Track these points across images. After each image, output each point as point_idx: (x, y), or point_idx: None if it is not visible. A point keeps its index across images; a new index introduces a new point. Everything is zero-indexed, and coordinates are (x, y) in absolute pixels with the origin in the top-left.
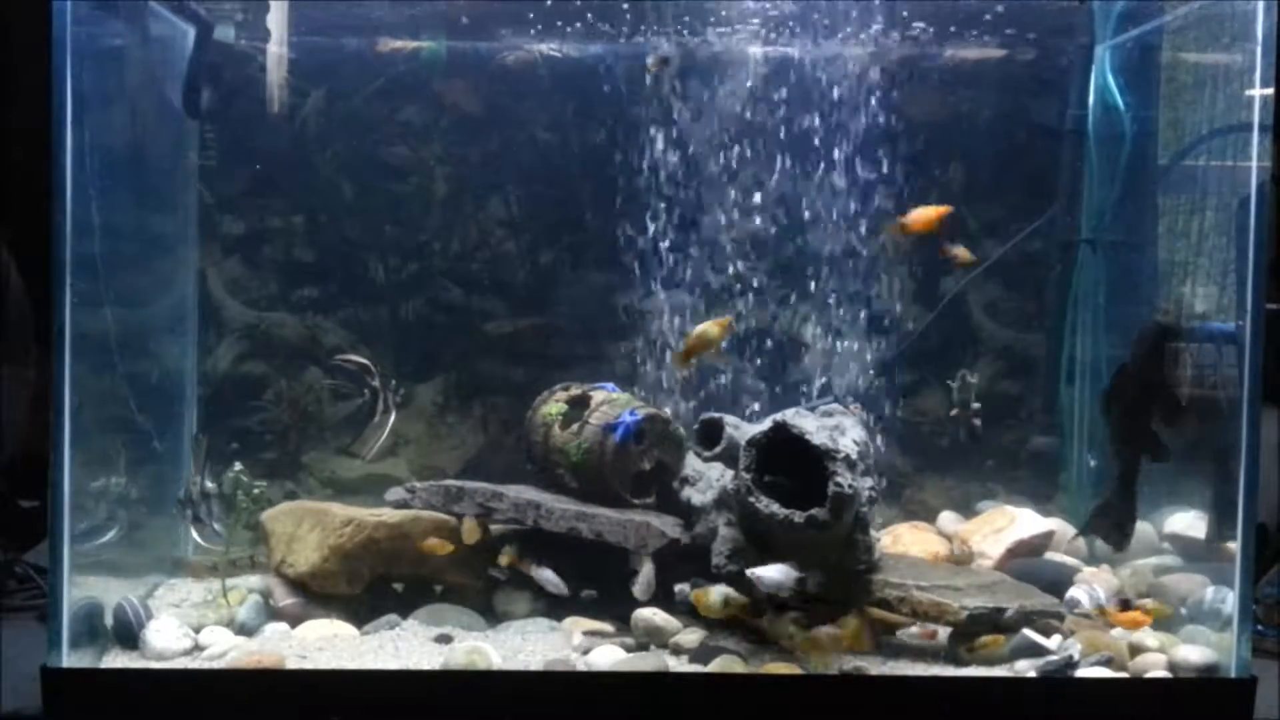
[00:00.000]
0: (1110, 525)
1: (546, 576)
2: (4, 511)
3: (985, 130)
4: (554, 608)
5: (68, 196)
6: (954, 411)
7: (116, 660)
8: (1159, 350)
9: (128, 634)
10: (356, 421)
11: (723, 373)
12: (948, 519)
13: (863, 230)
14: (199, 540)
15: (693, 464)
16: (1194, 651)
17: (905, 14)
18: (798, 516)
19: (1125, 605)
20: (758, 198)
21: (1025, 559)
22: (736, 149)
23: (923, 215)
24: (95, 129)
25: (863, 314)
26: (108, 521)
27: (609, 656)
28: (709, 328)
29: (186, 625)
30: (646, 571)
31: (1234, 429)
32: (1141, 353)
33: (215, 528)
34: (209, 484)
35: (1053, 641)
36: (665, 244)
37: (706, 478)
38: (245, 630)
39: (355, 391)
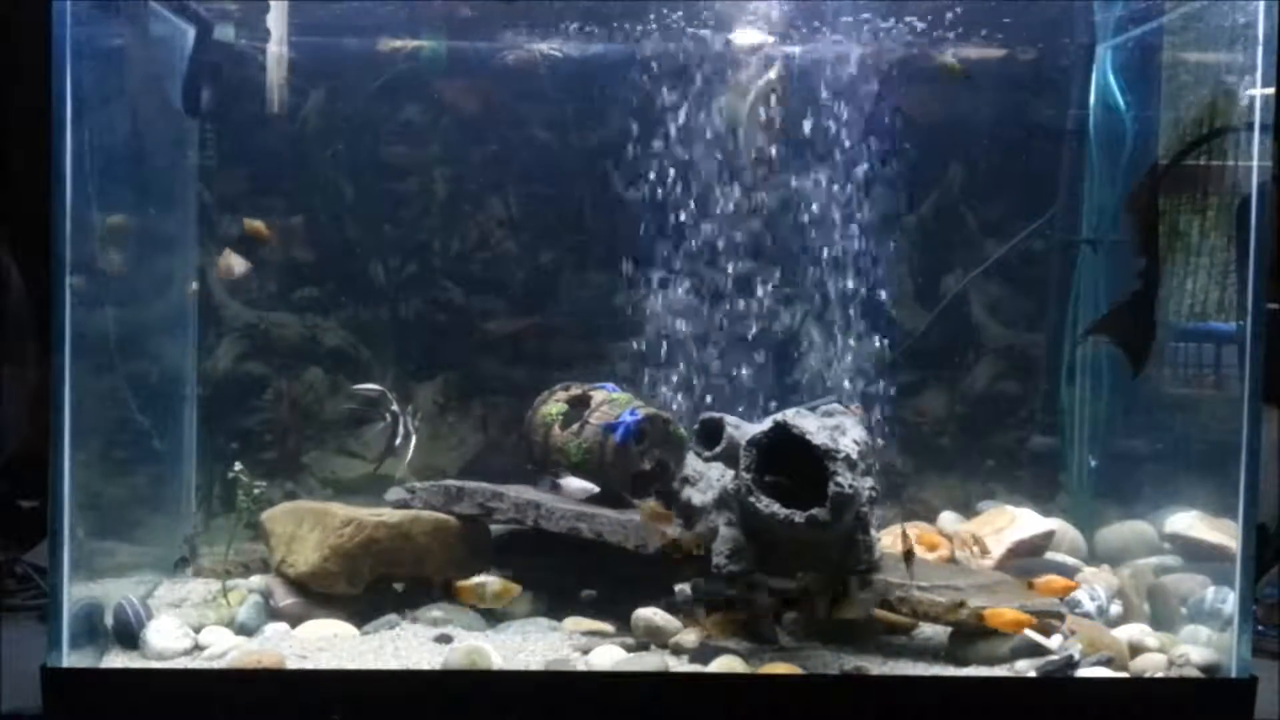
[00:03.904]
0: (1127, 335)
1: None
2: (4, 511)
3: (986, 130)
4: (554, 608)
5: (68, 196)
6: None
7: (116, 660)
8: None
9: (128, 634)
10: (382, 445)
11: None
12: (948, 519)
13: (862, 229)
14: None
15: (693, 464)
16: (1194, 651)
17: (906, 14)
18: (798, 516)
19: None
20: (759, 197)
21: (1026, 559)
22: (736, 149)
23: None
24: (95, 129)
25: (864, 314)
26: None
27: (609, 656)
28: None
29: (186, 625)
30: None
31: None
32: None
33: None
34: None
35: (1053, 641)
36: (665, 243)
37: (707, 478)
38: (245, 630)
39: (376, 416)
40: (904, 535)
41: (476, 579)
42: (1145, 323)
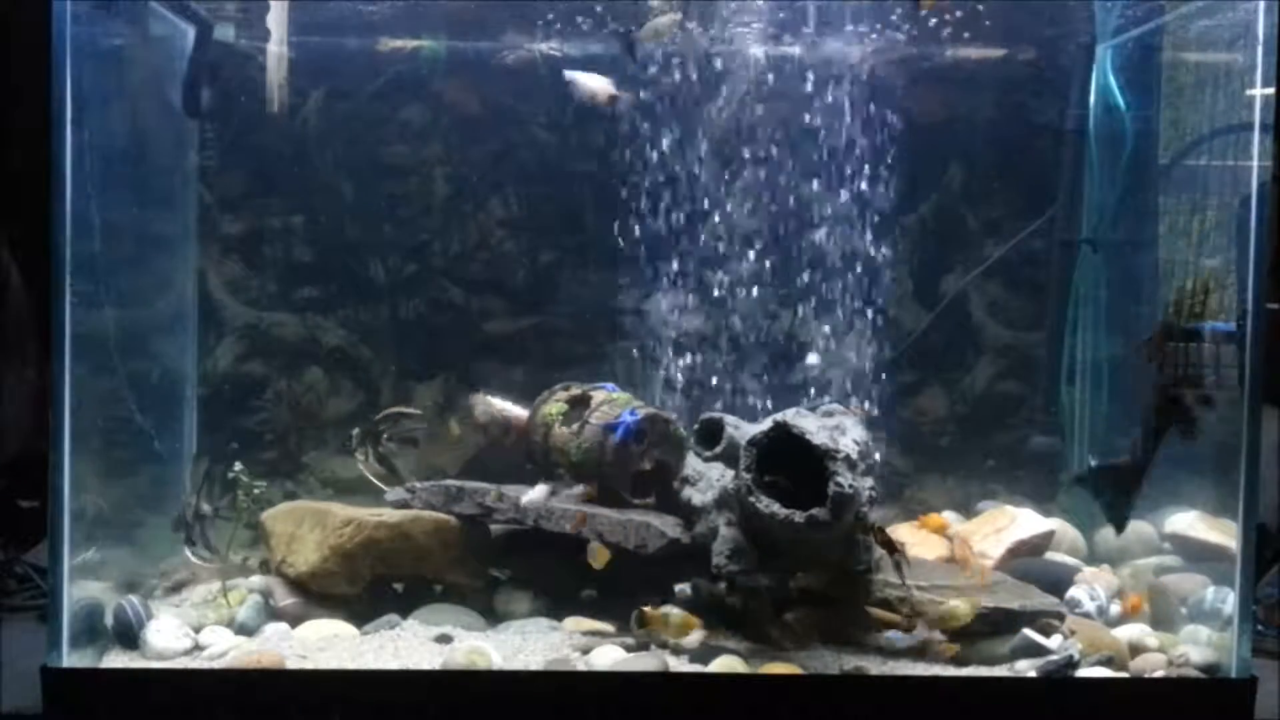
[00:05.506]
0: (1114, 496)
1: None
2: (4, 511)
3: (986, 130)
4: (554, 608)
5: (67, 196)
6: None
7: (116, 660)
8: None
9: (128, 634)
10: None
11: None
12: (948, 519)
13: (861, 228)
14: (191, 559)
15: (693, 464)
16: (1194, 651)
17: (904, 14)
18: (798, 516)
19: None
20: (758, 198)
21: (1025, 559)
22: (736, 149)
23: None
24: (95, 129)
25: (865, 313)
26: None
27: (609, 656)
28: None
29: (186, 625)
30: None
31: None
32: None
33: (205, 553)
34: (204, 506)
35: (1053, 641)
36: (665, 243)
37: (707, 478)
38: (245, 630)
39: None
40: (877, 530)
41: (664, 609)
42: (1132, 488)
